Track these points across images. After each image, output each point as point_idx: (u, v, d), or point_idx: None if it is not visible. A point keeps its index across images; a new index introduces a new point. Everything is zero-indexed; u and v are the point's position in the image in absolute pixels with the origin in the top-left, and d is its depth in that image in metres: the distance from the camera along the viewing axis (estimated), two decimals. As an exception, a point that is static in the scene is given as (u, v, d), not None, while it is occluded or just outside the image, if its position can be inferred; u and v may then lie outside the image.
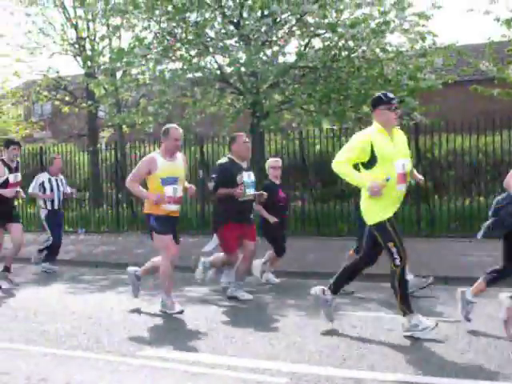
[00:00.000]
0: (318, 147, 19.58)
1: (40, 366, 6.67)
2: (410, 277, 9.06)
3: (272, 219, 11.30)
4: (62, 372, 6.43)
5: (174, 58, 20.01)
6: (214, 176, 10.39)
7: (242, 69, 19.15)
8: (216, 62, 20.27)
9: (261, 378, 6.07)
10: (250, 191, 10.26)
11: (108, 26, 23.75)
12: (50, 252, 14.36)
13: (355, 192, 18.57)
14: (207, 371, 6.33)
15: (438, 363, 6.35)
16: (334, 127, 19.87)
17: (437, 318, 7.94)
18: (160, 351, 7.10)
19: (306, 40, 19.73)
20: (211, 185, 10.31)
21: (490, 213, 7.74)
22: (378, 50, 19.05)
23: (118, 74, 23.85)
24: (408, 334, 7.33)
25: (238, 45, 19.58)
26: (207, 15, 19.38)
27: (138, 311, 9.42)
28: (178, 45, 19.83)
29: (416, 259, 10.84)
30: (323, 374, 6.07)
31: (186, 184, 9.70)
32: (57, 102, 30.07)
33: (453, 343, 7.07)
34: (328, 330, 7.81)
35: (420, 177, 8.07)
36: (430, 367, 6.21)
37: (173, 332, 8.02)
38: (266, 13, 19.05)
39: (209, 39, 19.57)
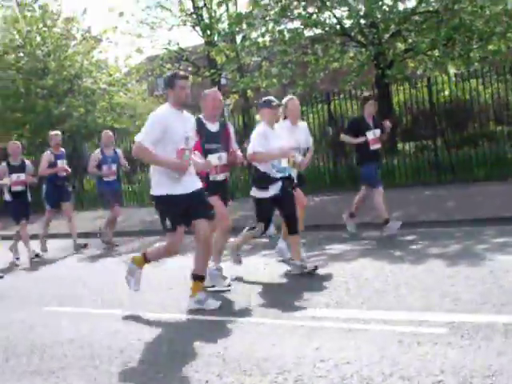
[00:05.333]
0: (446, 93, 19.07)
1: (196, 335, 6.82)
2: None
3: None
4: (216, 338, 6.53)
5: (292, 16, 19.92)
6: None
7: (362, 21, 18.89)
8: (335, 17, 20.07)
9: (418, 330, 5.98)
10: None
11: (224, -9, 23.85)
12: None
13: (487, 135, 18.27)
14: (362, 327, 6.30)
15: None
16: (460, 71, 19.36)
17: None
18: (313, 311, 7.10)
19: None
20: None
21: None
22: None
23: (238, 39, 23.95)
24: None
25: (355, -4, 19.30)
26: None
27: (284, 274, 9.47)
28: (295, 3, 19.71)
29: None
30: (483, 322, 5.95)
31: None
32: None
33: None
34: (480, 277, 7.65)
35: None
36: None
37: (322, 291, 8.00)
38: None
39: (326, -6, 19.35)
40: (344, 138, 12.50)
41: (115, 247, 14.57)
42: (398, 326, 6.18)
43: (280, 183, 8.94)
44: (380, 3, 18.67)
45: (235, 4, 26.57)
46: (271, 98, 9.35)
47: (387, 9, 18.77)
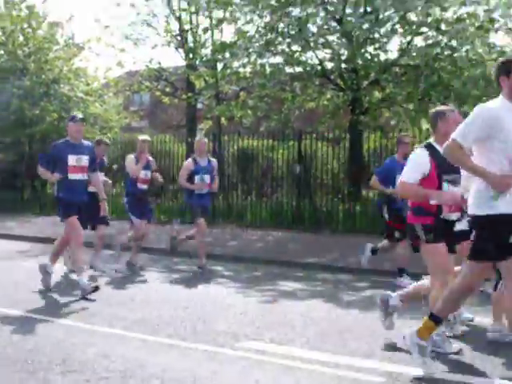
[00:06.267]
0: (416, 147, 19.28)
1: (138, 353, 6.82)
2: None
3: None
4: (158, 359, 6.56)
5: (275, 52, 20.11)
6: None
7: (343, 65, 19.14)
8: (317, 58, 20.29)
9: (357, 375, 6.07)
10: None
11: (211, 18, 24.10)
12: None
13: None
14: (303, 366, 6.36)
15: None
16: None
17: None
18: (257, 344, 7.16)
19: (409, 38, 19.54)
20: None
21: None
22: (481, 50, 18.76)
23: (219, 67, 24.11)
24: None
25: (339, 41, 19.54)
26: (310, 10, 19.39)
27: (233, 304, 9.53)
28: (280, 39, 19.92)
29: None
30: (420, 375, 6.03)
31: None
32: (157, 93, 30.52)
33: None
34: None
35: None
36: None
37: (269, 325, 8.06)
38: (369, 9, 18.98)
39: (311, 34, 19.56)
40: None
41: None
42: (339, 369, 6.24)
43: None
44: (363, 50, 18.96)
45: (221, 31, 26.77)
46: None
47: (369, 57, 19.05)
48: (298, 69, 20.48)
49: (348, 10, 19.33)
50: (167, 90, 30.05)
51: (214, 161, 13.34)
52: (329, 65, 20.07)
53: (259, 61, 19.94)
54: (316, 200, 19.58)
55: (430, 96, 19.04)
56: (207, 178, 12.75)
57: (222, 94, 26.75)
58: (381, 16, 18.84)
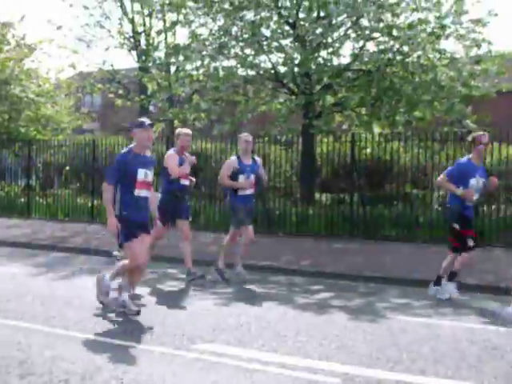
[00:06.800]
0: (368, 151, 19.54)
1: (96, 355, 6.82)
2: None
3: None
4: (116, 361, 6.57)
5: (228, 55, 20.16)
6: None
7: (296, 69, 19.28)
8: (270, 62, 20.40)
9: (313, 377, 6.15)
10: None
11: (164, 21, 24.09)
12: None
13: (402, 196, 18.76)
14: (260, 367, 6.42)
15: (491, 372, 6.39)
16: (384, 131, 19.94)
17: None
18: (212, 346, 7.20)
19: (361, 43, 19.79)
20: None
21: None
22: (432, 56, 19.08)
23: (172, 70, 24.12)
24: None
25: (293, 45, 19.69)
26: (263, 14, 19.53)
27: (189, 306, 9.56)
28: (234, 42, 19.98)
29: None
30: (375, 376, 6.14)
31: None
32: (110, 95, 30.42)
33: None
34: (378, 333, 7.89)
35: None
36: (481, 375, 6.26)
37: (224, 328, 8.10)
38: (322, 14, 19.14)
39: (264, 38, 19.71)
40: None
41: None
42: (295, 371, 6.32)
43: None
44: (316, 55, 19.13)
45: (174, 34, 26.76)
46: None
47: (322, 61, 19.22)
48: (252, 72, 20.58)
49: (301, 15, 19.50)
50: (120, 92, 29.93)
51: (259, 159, 12.55)
52: (282, 69, 20.20)
53: (213, 64, 19.99)
54: (269, 203, 19.66)
55: (381, 100, 19.29)
56: (252, 177, 11.90)
57: (175, 96, 26.75)
58: (334, 21, 19.02)
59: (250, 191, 11.93)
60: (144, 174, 8.83)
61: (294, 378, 6.11)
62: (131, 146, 9.02)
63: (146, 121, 9.03)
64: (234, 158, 12.14)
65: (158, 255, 12.46)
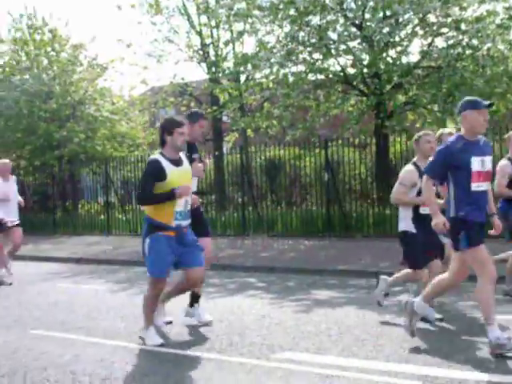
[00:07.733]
0: (444, 147, 19.24)
1: (178, 368, 6.91)
2: None
3: None
4: (198, 373, 6.65)
5: (297, 61, 20.19)
6: None
7: (365, 70, 19.20)
8: (339, 64, 20.37)
9: (393, 380, 6.12)
10: None
11: (231, 31, 24.24)
12: None
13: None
14: (340, 373, 6.41)
15: None
16: (459, 126, 19.66)
17: None
18: (292, 354, 7.22)
19: (429, 39, 19.61)
20: None
21: None
22: (502, 48, 18.77)
23: (242, 79, 24.26)
24: None
25: (360, 46, 19.61)
26: (329, 18, 19.48)
27: (268, 315, 9.58)
28: (301, 48, 20.01)
29: None
30: (456, 377, 6.08)
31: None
32: (182, 108, 30.72)
33: None
34: (461, 334, 7.79)
35: None
36: None
37: (304, 335, 8.11)
38: (388, 14, 19.00)
39: (331, 42, 19.64)
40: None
41: None
42: (375, 375, 6.29)
43: None
44: (384, 55, 19.02)
45: (242, 44, 26.87)
46: None
47: (391, 61, 19.11)
48: (321, 76, 20.59)
49: (367, 16, 19.40)
50: (192, 104, 30.19)
51: None
52: (351, 71, 20.15)
53: (281, 71, 20.03)
54: (345, 206, 19.62)
55: (453, 96, 19.03)
56: None
57: (247, 105, 26.87)
58: (400, 19, 18.89)
59: None
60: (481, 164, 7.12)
61: (374, 383, 6.09)
62: None
63: None
64: (506, 161, 9.78)
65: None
